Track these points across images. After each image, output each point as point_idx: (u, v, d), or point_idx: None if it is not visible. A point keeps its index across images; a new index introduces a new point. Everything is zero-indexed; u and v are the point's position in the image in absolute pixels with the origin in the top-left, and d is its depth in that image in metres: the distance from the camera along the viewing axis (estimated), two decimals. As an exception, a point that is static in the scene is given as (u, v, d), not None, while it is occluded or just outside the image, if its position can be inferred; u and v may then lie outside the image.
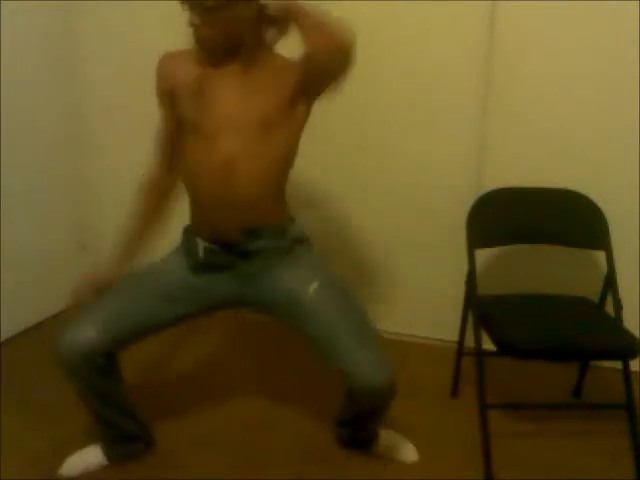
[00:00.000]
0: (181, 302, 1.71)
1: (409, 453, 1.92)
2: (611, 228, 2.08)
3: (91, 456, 1.84)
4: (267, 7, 1.55)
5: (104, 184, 2.86)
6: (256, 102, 1.59)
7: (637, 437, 1.85)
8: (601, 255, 2.10)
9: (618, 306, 1.98)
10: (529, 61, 2.24)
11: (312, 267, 1.75)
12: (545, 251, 2.19)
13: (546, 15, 2.17)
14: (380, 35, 2.34)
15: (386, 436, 1.94)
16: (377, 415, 1.82)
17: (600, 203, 2.10)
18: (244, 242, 1.66)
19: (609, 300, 2.03)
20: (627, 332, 1.87)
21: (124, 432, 1.83)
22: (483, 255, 2.20)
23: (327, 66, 1.57)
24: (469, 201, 2.10)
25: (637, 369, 2.03)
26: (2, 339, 2.51)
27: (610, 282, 2.03)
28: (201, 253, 1.69)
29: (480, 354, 1.92)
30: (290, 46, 1.60)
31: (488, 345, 1.89)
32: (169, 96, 1.66)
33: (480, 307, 1.99)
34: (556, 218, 2.14)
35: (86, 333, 1.61)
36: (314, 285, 1.68)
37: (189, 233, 1.74)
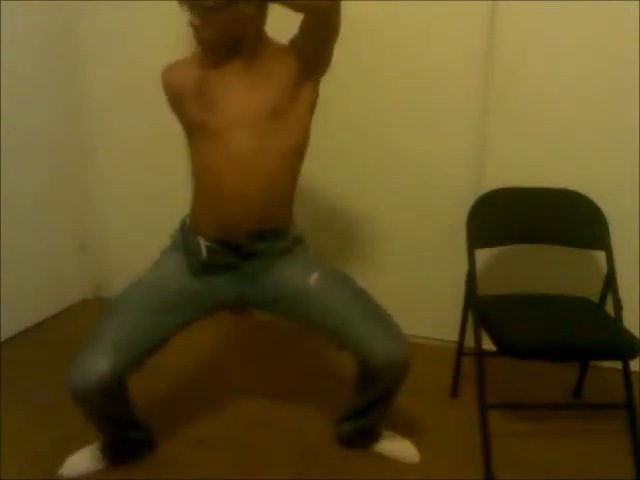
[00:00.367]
0: (184, 310, 1.70)
1: (410, 453, 1.92)
2: (611, 228, 2.08)
3: (91, 457, 1.84)
4: None
5: (104, 184, 2.86)
6: (262, 96, 1.59)
7: (637, 437, 1.85)
8: (601, 255, 2.10)
9: (618, 306, 1.98)
10: (529, 61, 2.24)
11: (310, 262, 1.77)
12: (545, 251, 2.19)
13: (546, 15, 2.17)
14: (380, 35, 2.34)
15: (387, 436, 1.94)
16: (389, 398, 1.82)
17: (600, 203, 2.10)
18: (248, 244, 1.66)
19: (609, 300, 2.03)
20: (627, 332, 1.87)
21: (127, 439, 1.83)
22: (483, 255, 2.20)
23: (320, 27, 1.55)
24: (469, 201, 2.10)
25: (637, 369, 2.02)
26: (2, 339, 2.51)
27: (610, 282, 2.03)
28: (204, 253, 1.68)
29: (480, 354, 1.92)
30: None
31: (488, 345, 1.89)
32: (177, 105, 1.67)
33: (480, 307, 1.99)
34: (556, 218, 2.14)
35: (99, 366, 1.56)
36: (315, 275, 1.71)
37: (188, 232, 1.72)
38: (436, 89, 2.36)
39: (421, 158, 2.44)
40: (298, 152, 1.70)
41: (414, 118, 2.40)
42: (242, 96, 1.59)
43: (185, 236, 1.73)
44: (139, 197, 2.78)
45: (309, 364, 2.41)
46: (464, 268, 2.06)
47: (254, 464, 1.89)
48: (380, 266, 2.60)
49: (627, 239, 2.23)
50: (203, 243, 1.68)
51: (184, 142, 1.74)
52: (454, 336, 2.21)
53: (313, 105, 1.69)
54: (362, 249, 2.60)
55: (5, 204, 2.44)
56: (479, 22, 2.23)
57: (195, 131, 1.64)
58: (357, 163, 2.51)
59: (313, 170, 2.51)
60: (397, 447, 1.93)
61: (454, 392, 2.24)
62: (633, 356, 1.84)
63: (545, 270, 2.35)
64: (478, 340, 1.92)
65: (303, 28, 1.58)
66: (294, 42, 1.63)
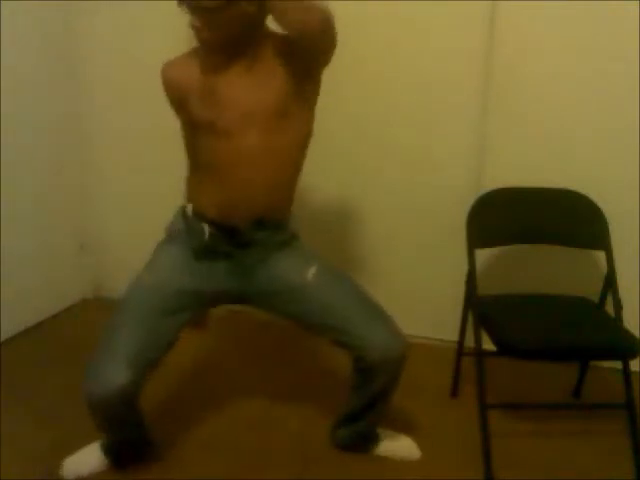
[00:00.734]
0: (186, 309, 1.70)
1: (411, 451, 1.92)
2: (611, 228, 2.08)
3: (92, 457, 1.84)
4: None
5: (104, 184, 2.86)
6: (268, 94, 1.59)
7: (637, 437, 1.85)
8: (601, 255, 2.10)
9: (618, 306, 1.98)
10: (529, 61, 2.24)
11: (307, 256, 1.77)
12: (545, 251, 2.19)
13: (546, 15, 2.18)
14: (380, 35, 2.34)
15: (386, 437, 1.94)
16: (385, 398, 1.81)
17: (600, 203, 2.10)
18: (247, 232, 1.66)
19: (609, 300, 2.03)
20: (627, 332, 1.87)
21: (132, 443, 1.83)
22: (483, 255, 2.20)
23: (311, 47, 1.54)
24: (469, 201, 2.10)
25: (637, 369, 2.02)
26: (2, 339, 2.51)
27: (610, 282, 2.03)
28: (207, 234, 1.67)
29: (480, 354, 1.92)
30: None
31: (488, 345, 1.89)
32: (180, 104, 1.66)
33: (480, 307, 1.99)
34: (556, 218, 2.14)
35: (120, 377, 1.56)
36: (312, 270, 1.71)
37: (192, 218, 1.70)
38: (436, 89, 2.36)
39: (421, 158, 2.44)
40: (302, 146, 1.71)
41: (414, 118, 2.41)
42: (248, 95, 1.59)
43: (187, 221, 1.71)
44: (139, 197, 2.78)
45: (309, 364, 2.41)
46: (464, 268, 2.06)
47: (254, 464, 1.89)
48: (380, 266, 2.60)
49: (627, 239, 2.23)
50: (207, 228, 1.67)
51: (180, 136, 1.73)
52: (454, 336, 2.21)
53: (316, 97, 1.69)
54: (362, 249, 2.60)
55: (5, 204, 2.44)
56: (479, 22, 2.23)
57: (201, 129, 1.64)
58: (357, 163, 2.51)
59: (313, 170, 2.51)
60: (397, 447, 1.93)
61: (454, 392, 2.24)
62: (633, 356, 1.84)
63: (545, 270, 2.35)
64: (478, 340, 1.92)
65: (295, 48, 1.55)
66: (291, 43, 1.59)
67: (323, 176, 2.53)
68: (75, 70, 2.71)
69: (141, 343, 1.62)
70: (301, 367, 2.39)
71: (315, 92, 1.68)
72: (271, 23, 1.58)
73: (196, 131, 1.65)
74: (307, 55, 1.56)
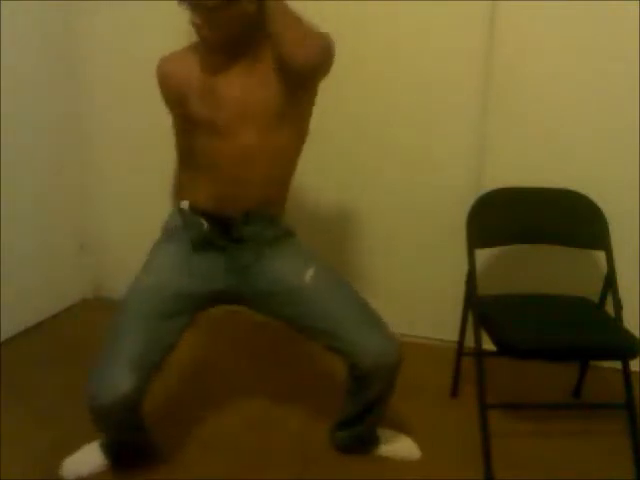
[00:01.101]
0: (186, 312, 1.70)
1: (411, 451, 1.92)
2: (611, 228, 2.08)
3: (91, 457, 1.83)
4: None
5: (104, 184, 2.86)
6: (266, 93, 1.59)
7: (637, 437, 1.85)
8: (601, 255, 2.10)
9: (618, 306, 1.98)
10: (529, 61, 2.24)
11: (304, 256, 1.77)
12: (545, 251, 2.19)
13: (546, 15, 2.18)
14: (380, 35, 2.34)
15: (385, 438, 1.93)
16: (382, 402, 1.81)
17: (600, 203, 2.10)
18: (238, 226, 1.66)
19: (609, 300, 2.03)
20: (627, 332, 1.87)
21: (132, 444, 1.83)
22: (483, 255, 2.20)
23: (306, 76, 1.56)
24: (469, 201, 2.10)
25: (637, 369, 2.02)
26: (2, 339, 2.51)
27: (610, 282, 2.03)
28: (206, 226, 1.67)
29: (480, 354, 1.92)
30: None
31: (488, 345, 1.89)
32: (176, 100, 1.66)
33: (480, 307, 1.99)
34: (556, 218, 2.14)
35: (124, 384, 1.55)
36: (310, 272, 1.70)
37: (189, 213, 1.70)
38: (436, 89, 2.36)
39: (421, 158, 2.44)
40: (298, 146, 1.72)
41: (414, 118, 2.41)
42: (247, 95, 1.59)
43: (184, 216, 1.71)
44: (139, 197, 2.78)
45: (309, 364, 2.41)
46: (464, 268, 2.06)
47: (254, 464, 1.89)
48: (380, 266, 2.60)
49: (627, 239, 2.23)
50: (205, 222, 1.68)
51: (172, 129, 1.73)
52: (454, 336, 2.21)
53: (313, 101, 1.70)
54: (362, 249, 2.60)
55: (5, 204, 2.44)
56: (479, 22, 2.23)
57: (199, 127, 1.64)
58: (357, 163, 2.51)
59: (313, 170, 2.52)
60: (397, 447, 1.93)
61: (454, 392, 2.24)
62: (633, 356, 1.84)
63: (545, 270, 2.35)
64: (478, 340, 1.92)
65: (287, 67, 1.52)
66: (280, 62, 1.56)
67: (323, 176, 2.54)
68: (75, 70, 2.71)
69: (143, 347, 1.62)
70: (301, 367, 2.39)
71: (311, 98, 1.68)
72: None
73: (192, 128, 1.65)
74: (296, 77, 1.55)
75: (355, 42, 2.33)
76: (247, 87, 1.59)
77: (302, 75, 1.53)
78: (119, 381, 1.56)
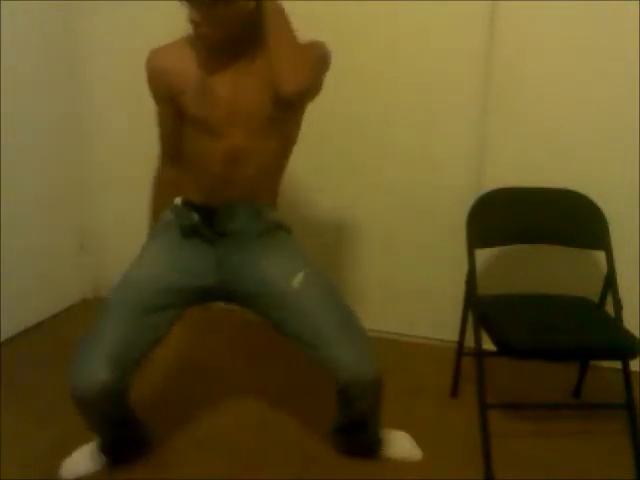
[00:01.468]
0: (172, 307, 1.69)
1: (412, 451, 1.92)
2: (611, 228, 2.08)
3: (89, 457, 1.83)
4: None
5: (103, 184, 2.86)
6: (259, 96, 1.58)
7: (637, 437, 1.84)
8: (601, 255, 2.09)
9: (618, 306, 1.98)
10: (529, 61, 2.24)
11: (295, 257, 1.75)
12: (545, 251, 2.19)
13: (546, 15, 2.17)
14: (380, 35, 2.34)
15: (387, 438, 1.92)
16: (369, 418, 1.81)
17: (600, 203, 2.10)
18: (223, 219, 1.66)
19: (609, 300, 2.03)
20: (627, 332, 1.87)
21: (126, 440, 1.83)
22: (483, 255, 2.20)
23: (294, 102, 1.58)
24: (469, 201, 2.10)
25: (637, 369, 2.02)
26: (2, 339, 2.51)
27: (610, 282, 2.03)
28: (196, 217, 1.68)
29: (480, 354, 1.92)
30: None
31: (488, 345, 1.89)
32: (168, 96, 1.64)
33: (480, 307, 1.99)
34: (556, 218, 2.14)
35: (102, 373, 1.55)
36: (299, 277, 1.67)
37: (182, 208, 1.72)
38: (436, 89, 2.36)
39: (421, 158, 2.44)
40: (287, 148, 1.73)
41: (414, 118, 2.41)
42: (241, 96, 1.59)
43: (177, 210, 1.73)
44: (139, 197, 2.77)
45: (308, 363, 2.41)
46: (464, 268, 2.06)
47: (254, 464, 1.89)
48: (380, 266, 2.60)
49: (627, 239, 2.23)
50: (195, 215, 1.68)
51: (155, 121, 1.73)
52: (454, 336, 2.21)
53: (303, 110, 1.70)
54: (362, 249, 2.60)
55: (5, 204, 2.44)
56: (479, 22, 2.23)
57: (190, 124, 1.64)
58: (357, 163, 2.51)
59: (313, 170, 2.52)
60: (399, 448, 1.92)
61: (454, 392, 2.24)
62: (633, 356, 1.84)
63: (545, 270, 2.35)
64: (478, 340, 1.92)
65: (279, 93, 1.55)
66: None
67: (323, 176, 2.54)
68: (75, 70, 2.71)
69: (124, 339, 1.61)
70: (300, 366, 2.38)
71: (302, 110, 1.69)
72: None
73: (181, 124, 1.65)
74: (284, 103, 1.56)
75: (355, 42, 2.33)
76: (240, 87, 1.59)
77: (290, 102, 1.55)
78: (97, 371, 1.56)
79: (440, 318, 2.51)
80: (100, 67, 2.71)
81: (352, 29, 2.33)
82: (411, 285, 2.58)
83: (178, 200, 1.72)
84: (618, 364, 1.92)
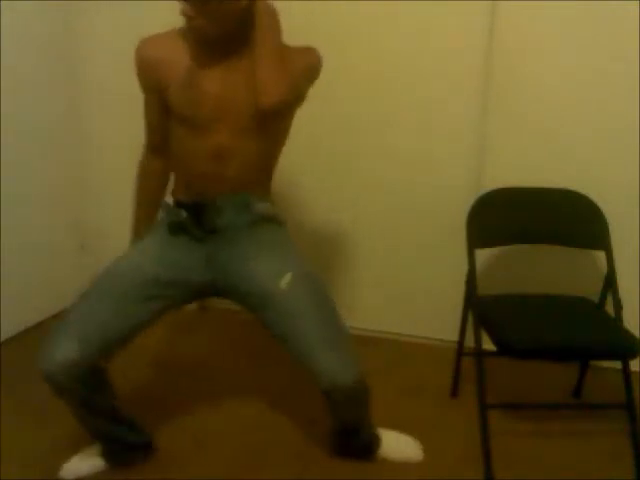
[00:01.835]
0: (157, 299, 1.67)
1: (413, 451, 1.92)
2: (611, 228, 2.08)
3: (90, 460, 1.82)
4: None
5: (104, 184, 2.86)
6: (246, 94, 1.56)
7: (637, 437, 1.84)
8: (601, 255, 2.09)
9: (618, 306, 1.98)
10: (529, 61, 2.24)
11: (285, 256, 1.72)
12: (545, 251, 2.19)
13: (546, 15, 2.18)
14: (380, 35, 2.34)
15: (386, 440, 1.92)
16: (358, 422, 1.81)
17: (600, 203, 2.10)
18: (210, 216, 1.65)
19: (609, 300, 2.03)
20: (627, 332, 1.87)
21: (123, 443, 1.82)
22: (483, 255, 2.20)
23: (274, 114, 1.58)
24: (469, 201, 2.10)
25: (637, 369, 2.02)
26: (2, 339, 2.51)
27: (610, 282, 2.03)
28: (184, 214, 1.67)
29: (480, 354, 1.92)
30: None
31: (488, 345, 1.89)
32: (156, 88, 1.64)
33: (480, 307, 1.99)
34: (556, 218, 2.14)
35: (67, 350, 1.55)
36: (287, 278, 1.65)
37: (172, 206, 1.72)
38: (436, 89, 2.36)
39: (421, 158, 2.44)
40: (276, 149, 1.72)
41: (414, 118, 2.40)
42: (228, 93, 1.57)
43: (167, 209, 1.74)
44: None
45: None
46: (464, 268, 2.06)
47: (254, 464, 1.89)
48: (380, 266, 2.60)
49: (627, 239, 2.23)
50: (184, 212, 1.68)
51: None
52: (454, 336, 2.21)
53: (296, 108, 1.69)
54: (362, 249, 2.60)
55: (5, 204, 2.44)
56: (479, 22, 2.23)
57: (176, 119, 1.63)
58: (357, 163, 2.51)
59: (312, 170, 2.52)
60: (400, 448, 1.92)
61: (454, 392, 2.24)
62: (633, 356, 1.84)
63: (545, 270, 2.35)
64: (478, 340, 1.92)
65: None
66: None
67: (322, 176, 2.54)
68: (75, 70, 2.71)
69: (97, 320, 1.60)
70: (300, 367, 2.39)
71: (297, 105, 1.68)
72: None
73: (167, 117, 1.65)
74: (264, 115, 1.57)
75: (355, 42, 2.33)
76: (229, 85, 1.57)
77: (269, 113, 1.56)
78: (65, 350, 1.55)
79: (440, 318, 2.51)
80: (100, 67, 2.70)
81: (352, 29, 2.33)
82: (411, 285, 2.58)
83: (170, 199, 1.72)
84: (618, 364, 1.92)
